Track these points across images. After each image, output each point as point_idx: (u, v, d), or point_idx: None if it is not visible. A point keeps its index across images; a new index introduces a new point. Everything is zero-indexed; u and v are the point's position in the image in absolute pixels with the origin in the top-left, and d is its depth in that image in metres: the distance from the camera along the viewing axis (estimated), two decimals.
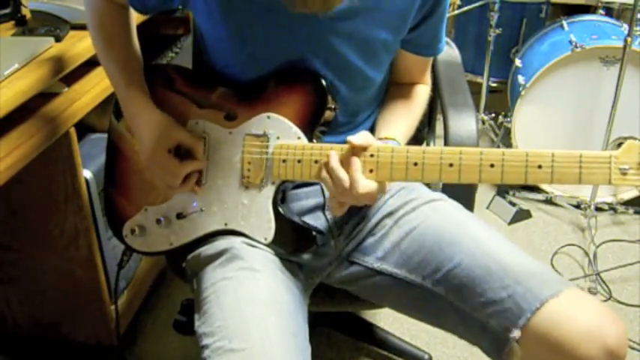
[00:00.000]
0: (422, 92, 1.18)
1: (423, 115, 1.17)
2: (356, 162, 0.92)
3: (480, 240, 1.00)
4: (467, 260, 0.97)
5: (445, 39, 1.14)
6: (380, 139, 1.02)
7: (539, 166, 0.86)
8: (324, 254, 1.09)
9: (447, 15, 1.10)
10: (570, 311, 0.88)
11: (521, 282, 0.92)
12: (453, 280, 0.98)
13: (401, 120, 1.10)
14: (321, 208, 1.09)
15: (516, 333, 0.90)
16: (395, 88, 1.17)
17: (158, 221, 1.07)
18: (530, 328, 0.90)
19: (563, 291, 0.91)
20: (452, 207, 1.09)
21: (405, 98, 1.14)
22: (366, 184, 0.92)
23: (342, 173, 0.92)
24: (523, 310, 0.90)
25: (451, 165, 0.90)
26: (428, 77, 1.20)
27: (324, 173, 0.95)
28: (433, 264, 1.00)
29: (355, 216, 1.10)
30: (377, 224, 1.09)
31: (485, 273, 0.95)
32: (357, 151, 0.93)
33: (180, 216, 1.06)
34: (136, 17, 1.14)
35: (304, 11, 0.87)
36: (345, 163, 0.93)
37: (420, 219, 1.06)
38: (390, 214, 1.09)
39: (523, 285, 0.92)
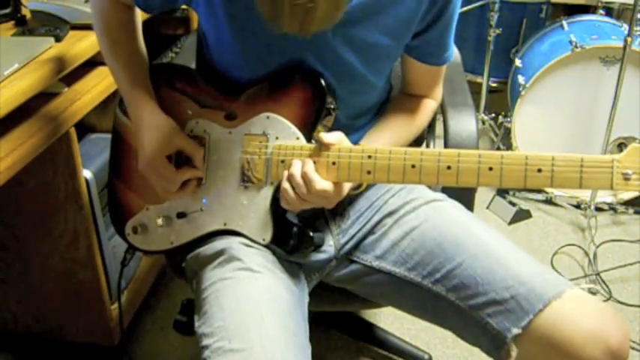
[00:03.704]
0: (426, 107, 1.15)
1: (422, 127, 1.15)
2: (309, 162, 0.94)
3: (482, 241, 1.00)
4: (469, 261, 0.97)
5: (453, 48, 1.11)
6: None
7: (539, 170, 0.86)
8: (323, 254, 1.09)
9: (455, 23, 1.05)
10: (573, 312, 0.89)
11: (524, 282, 0.92)
12: (453, 280, 0.98)
13: (390, 132, 1.09)
14: (320, 207, 1.09)
15: (515, 331, 0.90)
16: (400, 98, 1.16)
17: (159, 220, 1.07)
18: (533, 329, 0.90)
19: (566, 292, 0.91)
20: (453, 207, 1.09)
21: (405, 111, 1.12)
22: (322, 183, 0.93)
23: (299, 179, 0.94)
24: (526, 311, 0.90)
25: (449, 168, 0.90)
26: (437, 92, 1.16)
27: (285, 183, 0.95)
28: (433, 263, 1.00)
29: (354, 215, 1.11)
30: (377, 223, 1.09)
31: (488, 273, 0.95)
32: (322, 149, 0.94)
33: (180, 215, 1.06)
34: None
35: (283, 32, 0.85)
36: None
37: (420, 219, 1.06)
38: (390, 213, 1.09)
39: (526, 286, 0.92)
